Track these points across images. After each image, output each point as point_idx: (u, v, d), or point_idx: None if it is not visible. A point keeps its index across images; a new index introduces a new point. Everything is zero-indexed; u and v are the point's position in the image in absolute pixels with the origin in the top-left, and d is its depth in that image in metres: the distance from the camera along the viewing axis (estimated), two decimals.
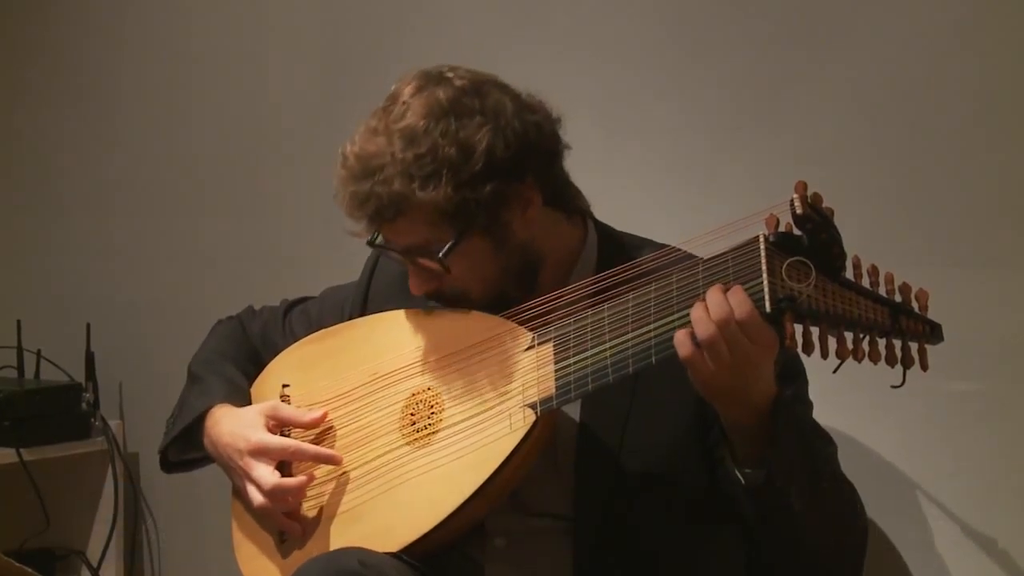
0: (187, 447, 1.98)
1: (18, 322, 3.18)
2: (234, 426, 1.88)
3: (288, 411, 1.87)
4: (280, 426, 1.87)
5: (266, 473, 1.82)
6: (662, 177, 2.28)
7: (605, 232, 1.86)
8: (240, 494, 1.90)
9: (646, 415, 1.76)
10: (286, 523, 1.84)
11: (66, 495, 3.14)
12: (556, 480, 1.77)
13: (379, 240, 1.79)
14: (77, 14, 3.34)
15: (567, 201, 1.84)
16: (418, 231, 1.73)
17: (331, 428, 1.87)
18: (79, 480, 3.12)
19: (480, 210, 1.71)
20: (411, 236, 1.75)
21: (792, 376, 1.72)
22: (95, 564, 3.10)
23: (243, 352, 2.05)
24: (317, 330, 1.98)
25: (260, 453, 1.83)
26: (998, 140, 1.95)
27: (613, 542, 1.75)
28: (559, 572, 1.76)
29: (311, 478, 1.83)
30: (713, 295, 1.53)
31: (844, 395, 1.84)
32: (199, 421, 1.93)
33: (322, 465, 1.84)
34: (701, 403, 1.71)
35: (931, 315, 1.52)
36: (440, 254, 1.73)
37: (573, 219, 1.84)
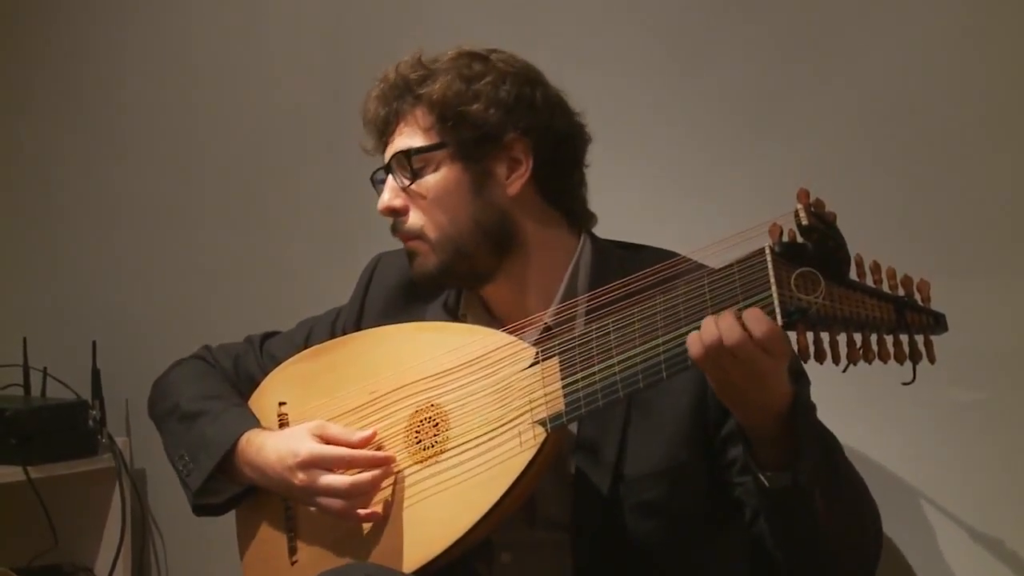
0: (211, 483, 1.91)
1: (24, 340, 3.18)
2: (279, 445, 1.82)
3: (335, 430, 1.81)
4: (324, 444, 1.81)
5: (335, 479, 1.76)
6: (662, 189, 2.28)
7: (601, 249, 1.85)
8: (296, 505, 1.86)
9: (644, 423, 1.75)
10: (368, 516, 1.76)
11: (74, 512, 3.14)
12: (557, 489, 1.76)
13: (378, 173, 1.86)
14: (82, 32, 3.35)
15: (569, 207, 1.85)
16: (412, 135, 1.80)
17: None
18: (86, 497, 3.13)
19: (468, 126, 1.78)
20: (405, 140, 1.81)
21: (795, 377, 1.70)
22: None
23: (227, 384, 2.01)
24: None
25: (313, 465, 1.78)
26: (1001, 149, 1.94)
27: (613, 551, 1.74)
28: None
29: (388, 470, 1.76)
30: (725, 319, 1.49)
31: (848, 406, 1.84)
32: (229, 454, 1.87)
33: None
34: (699, 411, 1.72)
35: None
36: (415, 149, 1.78)
37: (572, 230, 1.85)
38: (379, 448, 1.79)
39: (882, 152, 2.04)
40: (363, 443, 1.80)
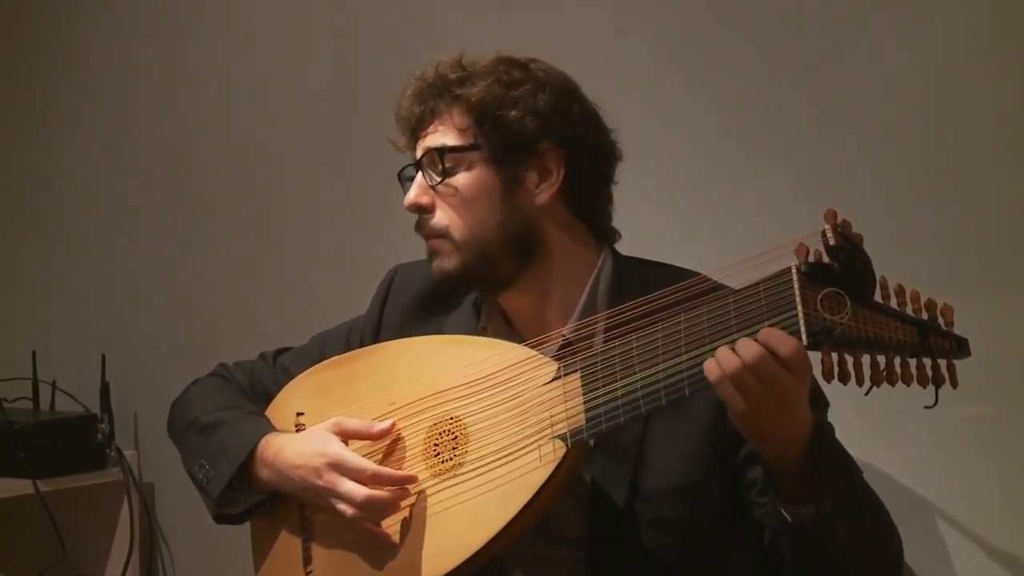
0: (231, 492, 1.91)
1: (33, 353, 3.18)
2: (303, 447, 1.81)
3: (353, 424, 1.81)
4: (345, 440, 1.81)
5: (355, 487, 1.75)
6: (675, 202, 2.28)
7: (622, 264, 1.85)
8: (317, 510, 1.85)
9: (662, 439, 1.75)
10: (378, 532, 1.77)
11: (82, 526, 3.14)
12: (572, 505, 1.76)
13: (407, 169, 1.86)
14: (92, 53, 3.37)
15: (595, 221, 1.86)
16: (446, 133, 1.81)
17: None
18: (95, 511, 3.13)
19: (503, 131, 1.78)
20: (438, 138, 1.81)
21: (814, 399, 1.69)
22: None
23: (243, 396, 2.02)
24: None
25: (339, 469, 1.77)
26: (1009, 164, 1.95)
27: (627, 567, 1.74)
28: None
29: (404, 491, 1.76)
30: (741, 343, 1.51)
31: (856, 421, 1.83)
32: (248, 459, 1.87)
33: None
34: (719, 428, 1.72)
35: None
36: (449, 147, 1.79)
37: (596, 244, 1.86)
38: (396, 446, 1.79)
39: (890, 166, 2.05)
40: (383, 434, 1.80)
